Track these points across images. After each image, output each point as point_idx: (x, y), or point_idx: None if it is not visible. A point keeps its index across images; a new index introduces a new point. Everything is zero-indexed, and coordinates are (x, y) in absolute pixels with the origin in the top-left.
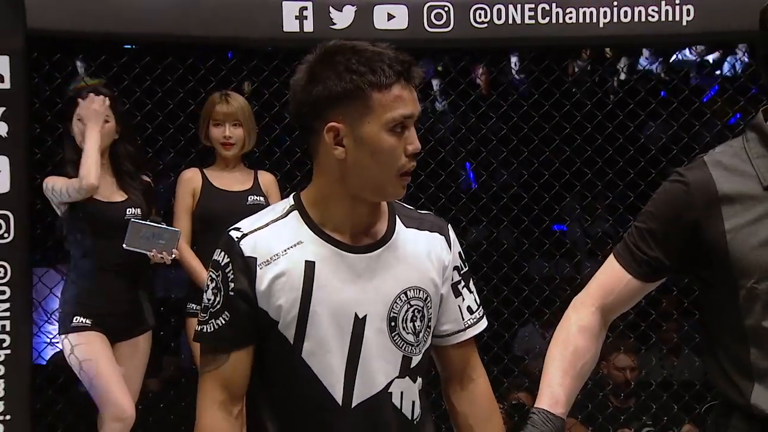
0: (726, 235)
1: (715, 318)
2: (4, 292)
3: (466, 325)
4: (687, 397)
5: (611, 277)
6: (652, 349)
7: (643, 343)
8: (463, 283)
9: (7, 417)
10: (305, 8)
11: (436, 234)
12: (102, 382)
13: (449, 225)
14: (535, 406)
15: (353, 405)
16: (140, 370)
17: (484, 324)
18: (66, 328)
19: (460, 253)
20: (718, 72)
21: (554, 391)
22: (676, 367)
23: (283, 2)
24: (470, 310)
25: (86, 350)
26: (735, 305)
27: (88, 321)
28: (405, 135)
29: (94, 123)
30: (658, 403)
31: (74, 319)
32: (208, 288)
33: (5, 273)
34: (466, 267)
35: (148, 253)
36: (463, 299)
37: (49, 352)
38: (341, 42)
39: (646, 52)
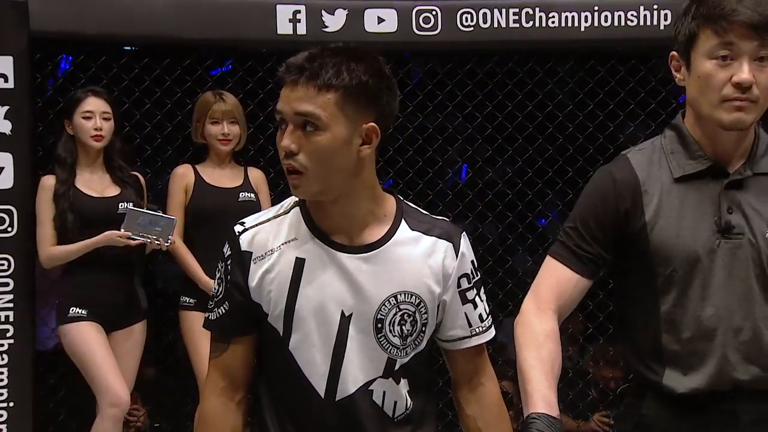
0: (647, 226)
1: (631, 305)
2: (7, 284)
3: (474, 333)
4: None
5: (560, 280)
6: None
7: None
8: (474, 292)
9: (11, 404)
10: (298, 11)
11: (443, 241)
12: (97, 370)
13: (463, 233)
14: (532, 411)
15: (336, 399)
16: (136, 358)
17: (492, 333)
18: (63, 319)
19: (472, 261)
20: None
21: (545, 394)
22: None
23: (277, 5)
24: (481, 318)
25: (82, 340)
26: (652, 292)
27: (83, 312)
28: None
29: (105, 239)
30: (621, 387)
31: (70, 310)
32: (215, 278)
33: (9, 266)
34: (477, 275)
35: (145, 240)
36: (475, 307)
37: (51, 342)
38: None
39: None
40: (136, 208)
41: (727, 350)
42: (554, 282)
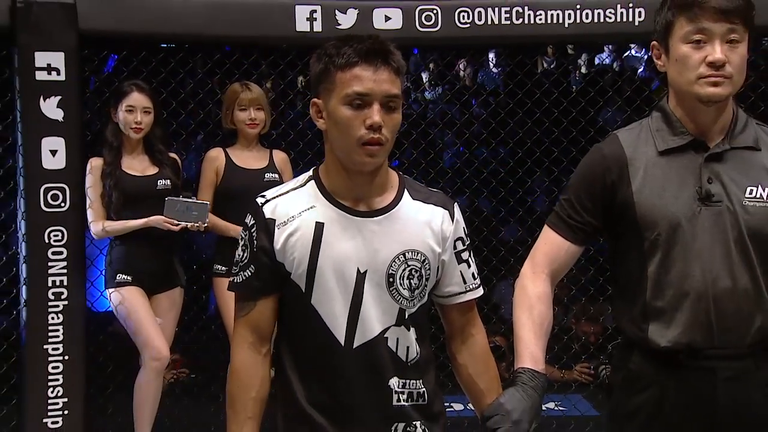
0: (633, 195)
1: (622, 267)
2: (61, 253)
3: (468, 289)
4: None
5: (552, 246)
6: (608, 299)
7: (601, 294)
8: (468, 253)
9: (66, 357)
10: (315, 11)
11: (440, 208)
12: (141, 328)
13: (455, 203)
14: (519, 366)
15: (354, 346)
16: (174, 318)
17: (481, 291)
18: (111, 284)
19: (464, 228)
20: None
21: (533, 351)
22: None
23: (296, 6)
24: (473, 276)
25: (128, 302)
26: (640, 254)
27: (129, 278)
28: (365, 110)
29: (154, 221)
30: (612, 343)
31: (118, 276)
32: (239, 246)
33: (62, 236)
34: (468, 240)
35: (185, 225)
36: (468, 266)
37: (101, 303)
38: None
39: (606, 50)
40: (173, 198)
41: (707, 307)
42: (548, 248)
